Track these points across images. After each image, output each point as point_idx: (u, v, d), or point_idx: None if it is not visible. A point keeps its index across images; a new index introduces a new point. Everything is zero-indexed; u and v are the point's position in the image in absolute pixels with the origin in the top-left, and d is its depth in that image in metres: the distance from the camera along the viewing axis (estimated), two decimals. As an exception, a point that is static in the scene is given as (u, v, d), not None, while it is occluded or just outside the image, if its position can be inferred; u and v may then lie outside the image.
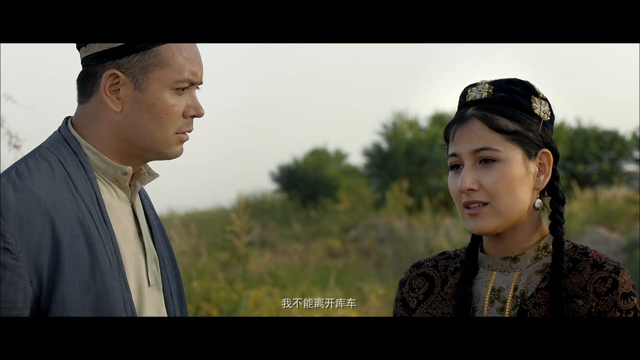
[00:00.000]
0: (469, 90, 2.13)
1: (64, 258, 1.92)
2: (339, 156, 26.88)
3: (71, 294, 1.92)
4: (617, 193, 18.97)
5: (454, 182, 2.08)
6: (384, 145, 24.25)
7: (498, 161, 2.04)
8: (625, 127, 26.81)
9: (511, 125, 2.05)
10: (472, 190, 2.04)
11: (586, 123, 24.70)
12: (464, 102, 2.12)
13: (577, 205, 18.06)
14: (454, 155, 2.09)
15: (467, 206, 2.06)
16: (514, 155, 2.05)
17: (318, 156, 26.15)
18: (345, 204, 20.71)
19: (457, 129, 2.08)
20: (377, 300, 10.86)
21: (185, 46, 2.09)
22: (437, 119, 23.52)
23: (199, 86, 2.12)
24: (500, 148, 2.04)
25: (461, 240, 14.97)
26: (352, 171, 25.90)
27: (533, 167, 2.08)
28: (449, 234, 15.46)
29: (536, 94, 2.10)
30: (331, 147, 26.99)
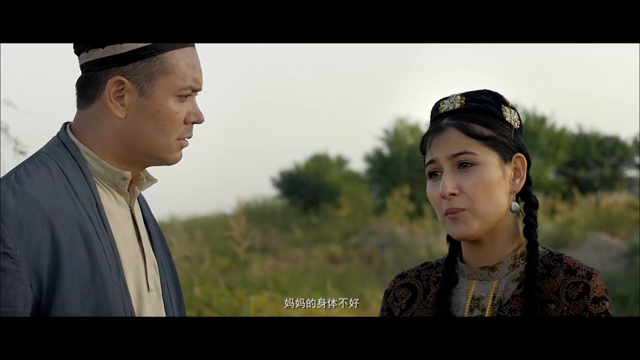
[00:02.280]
0: (441, 103, 2.20)
1: (64, 262, 1.92)
2: (340, 162, 26.91)
3: (71, 299, 1.92)
4: (619, 199, 18.97)
5: (434, 189, 2.13)
6: (386, 150, 24.28)
7: (476, 165, 2.10)
8: (626, 133, 26.82)
9: (486, 131, 2.12)
10: (454, 194, 2.10)
11: (587, 129, 24.72)
12: (438, 114, 2.19)
13: (579, 211, 18.06)
14: (432, 162, 2.14)
15: (447, 212, 2.11)
16: (491, 159, 2.11)
17: (319, 162, 26.18)
18: (347, 210, 20.72)
19: (434, 138, 2.15)
20: (378, 306, 10.85)
21: (188, 53, 2.09)
22: (439, 124, 23.51)
23: (198, 93, 2.13)
24: (477, 152, 2.10)
25: (462, 245, 14.91)
26: (353, 177, 25.91)
27: (509, 170, 2.14)
28: (450, 240, 15.41)
29: (505, 103, 2.18)
30: (332, 153, 27.06)
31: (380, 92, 36.90)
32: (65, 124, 2.12)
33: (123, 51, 2.05)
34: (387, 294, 2.29)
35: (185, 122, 2.10)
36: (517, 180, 2.15)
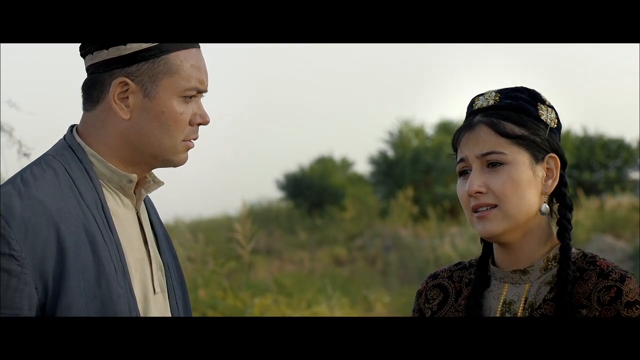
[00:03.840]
0: (476, 100, 2.15)
1: (69, 265, 1.92)
2: (345, 164, 26.90)
3: (76, 301, 1.92)
4: (623, 201, 18.93)
5: (463, 187, 2.09)
6: (390, 153, 24.26)
7: (505, 164, 2.05)
8: (631, 135, 26.77)
9: (517, 130, 2.07)
10: (480, 193, 2.05)
11: (592, 131, 24.68)
12: (471, 110, 2.15)
13: (583, 213, 18.03)
14: (462, 160, 2.10)
15: (475, 210, 2.07)
16: (521, 159, 2.06)
17: (324, 164, 26.17)
18: (351, 212, 20.72)
19: (464, 135, 2.10)
20: (382, 308, 10.85)
21: (193, 54, 2.09)
22: (443, 126, 23.54)
23: (203, 94, 2.13)
24: (506, 151, 2.06)
25: (467, 248, 14.95)
26: (358, 179, 25.90)
27: (540, 171, 2.09)
28: (455, 242, 15.44)
29: (542, 101, 2.13)
30: (337, 155, 27.03)
31: (385, 94, 36.90)
32: (72, 126, 2.12)
33: (127, 52, 2.05)
34: (419, 294, 2.24)
35: (190, 124, 2.10)
36: (550, 181, 2.10)
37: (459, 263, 2.25)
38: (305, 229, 20.20)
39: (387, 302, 10.99)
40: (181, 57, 2.07)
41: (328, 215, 21.92)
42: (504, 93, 2.12)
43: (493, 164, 2.06)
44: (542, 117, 2.11)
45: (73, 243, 1.94)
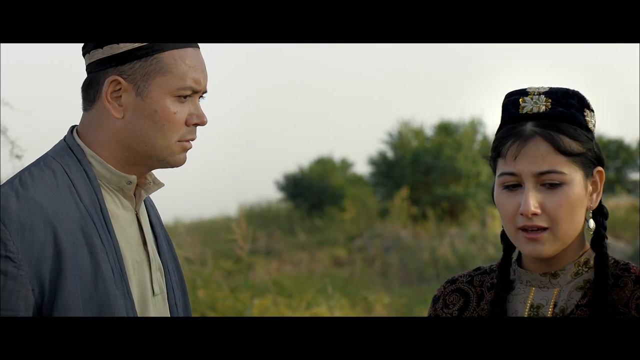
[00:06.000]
0: (521, 100, 1.98)
1: (66, 266, 1.92)
2: (345, 165, 26.90)
3: (73, 303, 1.92)
4: (623, 202, 18.94)
5: (509, 202, 1.95)
6: (390, 154, 24.26)
7: (563, 184, 1.93)
8: (630, 136, 26.77)
9: (574, 146, 1.94)
10: (535, 214, 1.92)
11: (592, 132, 24.67)
12: (517, 113, 1.98)
13: (583, 214, 18.01)
14: (512, 174, 1.94)
15: (524, 229, 1.95)
16: (577, 177, 1.94)
17: (323, 165, 26.16)
18: (351, 213, 20.71)
19: (518, 147, 1.94)
20: (382, 309, 10.84)
21: (189, 54, 2.08)
22: (443, 127, 23.54)
23: (203, 95, 2.12)
24: (565, 170, 1.93)
25: (466, 249, 14.95)
26: (357, 180, 25.89)
27: (589, 186, 1.98)
28: (454, 243, 15.44)
29: (588, 106, 2.00)
30: (337, 156, 27.01)
31: (384, 95, 36.91)
32: (72, 127, 2.12)
33: (120, 51, 2.04)
34: (435, 299, 2.13)
35: (186, 124, 2.08)
36: (594, 196, 1.99)
37: (479, 268, 2.15)
38: (305, 229, 20.19)
39: (387, 303, 10.99)
40: (176, 56, 2.06)
41: (328, 216, 21.91)
42: (554, 98, 1.97)
43: (551, 185, 1.93)
44: (589, 125, 1.98)
45: (70, 244, 1.93)
